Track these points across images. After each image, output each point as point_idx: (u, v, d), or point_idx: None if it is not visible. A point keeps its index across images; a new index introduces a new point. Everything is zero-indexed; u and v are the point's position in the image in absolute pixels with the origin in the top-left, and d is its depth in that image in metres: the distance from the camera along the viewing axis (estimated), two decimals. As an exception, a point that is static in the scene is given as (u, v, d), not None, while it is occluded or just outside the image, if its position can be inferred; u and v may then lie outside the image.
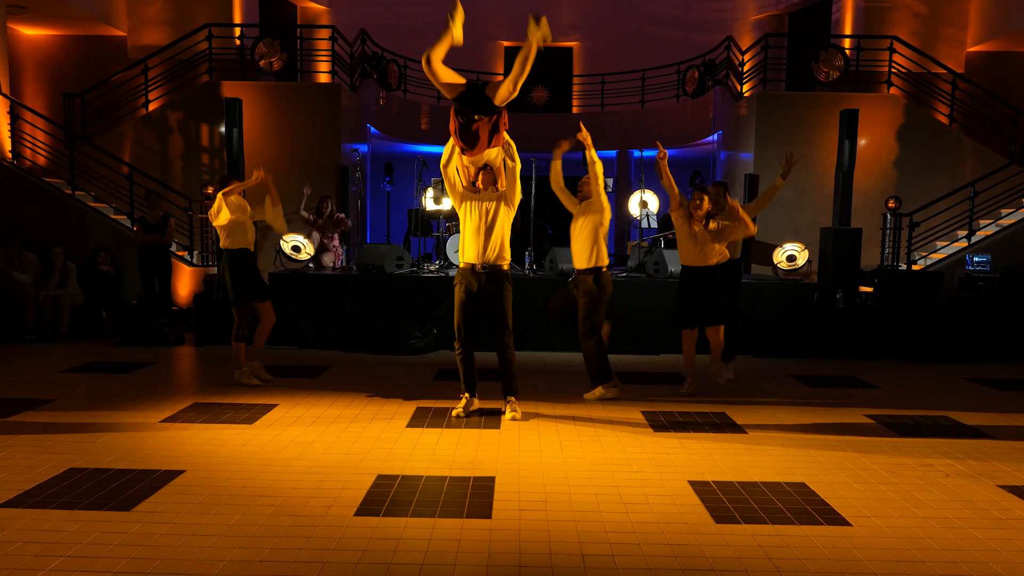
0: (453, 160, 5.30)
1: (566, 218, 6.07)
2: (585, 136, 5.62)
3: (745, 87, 12.62)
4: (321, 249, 9.52)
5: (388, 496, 3.82)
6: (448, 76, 5.03)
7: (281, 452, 4.52)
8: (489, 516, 3.58)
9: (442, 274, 8.61)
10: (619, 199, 14.66)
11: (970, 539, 3.41)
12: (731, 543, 3.32)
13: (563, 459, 4.45)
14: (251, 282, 6.36)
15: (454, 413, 5.40)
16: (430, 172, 10.02)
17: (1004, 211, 10.76)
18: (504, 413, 5.39)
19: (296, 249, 8.76)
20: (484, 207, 5.26)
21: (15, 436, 4.75)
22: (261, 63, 11.40)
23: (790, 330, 8.21)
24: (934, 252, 10.87)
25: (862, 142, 10.84)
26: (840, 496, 3.90)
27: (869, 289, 9.01)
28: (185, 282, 10.29)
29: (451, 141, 5.24)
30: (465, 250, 5.32)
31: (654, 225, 11.13)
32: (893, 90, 11.55)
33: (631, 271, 8.99)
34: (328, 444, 4.70)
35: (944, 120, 11.62)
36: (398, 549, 3.22)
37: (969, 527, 3.54)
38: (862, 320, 8.30)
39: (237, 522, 3.47)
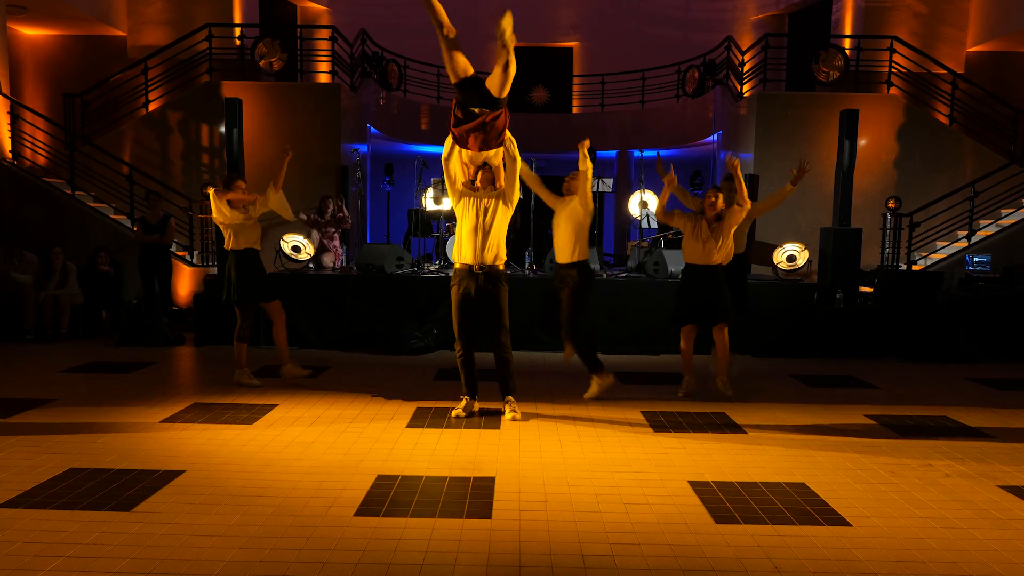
0: (454, 155, 5.26)
1: None
2: (585, 145, 5.68)
3: (745, 87, 12.62)
4: (321, 249, 9.52)
5: (388, 496, 3.82)
6: (462, 62, 5.09)
7: (281, 452, 4.52)
8: (489, 516, 3.58)
9: (442, 274, 8.61)
10: (619, 199, 14.68)
11: (970, 539, 3.41)
12: (731, 543, 3.32)
13: (563, 459, 4.45)
14: (258, 282, 6.36)
15: (454, 414, 5.40)
16: (430, 172, 10.02)
17: (1004, 211, 10.76)
18: (504, 413, 5.40)
19: (296, 249, 8.76)
20: (482, 205, 5.20)
21: (15, 436, 4.75)
22: (261, 63, 11.40)
23: (790, 330, 8.22)
24: (934, 252, 10.86)
25: (862, 142, 10.84)
26: (840, 496, 3.90)
27: (869, 289, 9.00)
28: (185, 282, 10.29)
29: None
30: (462, 249, 5.26)
31: (654, 225, 11.12)
32: (893, 90, 11.55)
33: (631, 271, 8.98)
34: (328, 444, 4.70)
35: (944, 120, 11.62)
36: (398, 549, 3.22)
37: (969, 527, 3.54)
38: (862, 320, 8.30)
39: (237, 522, 3.47)
